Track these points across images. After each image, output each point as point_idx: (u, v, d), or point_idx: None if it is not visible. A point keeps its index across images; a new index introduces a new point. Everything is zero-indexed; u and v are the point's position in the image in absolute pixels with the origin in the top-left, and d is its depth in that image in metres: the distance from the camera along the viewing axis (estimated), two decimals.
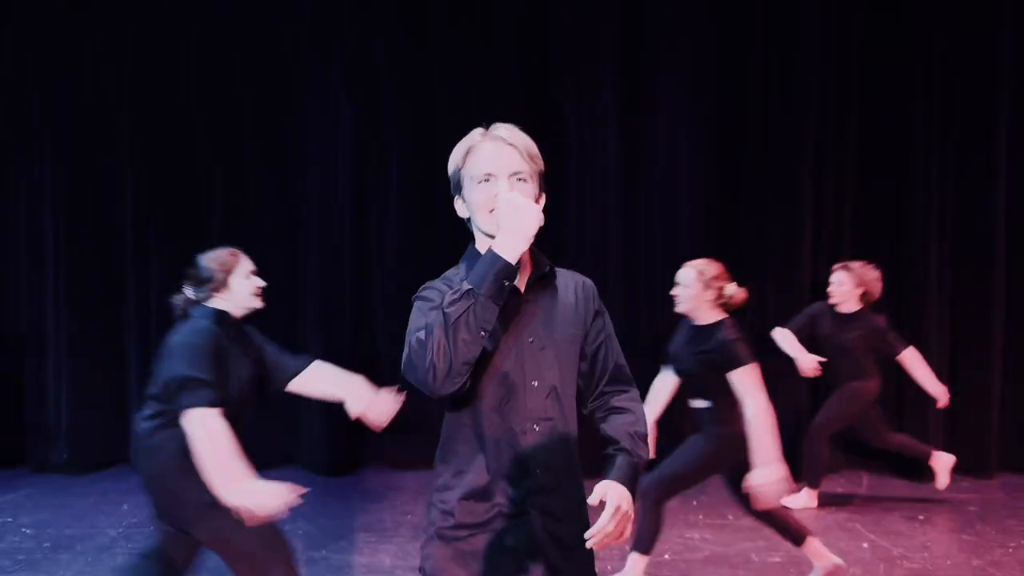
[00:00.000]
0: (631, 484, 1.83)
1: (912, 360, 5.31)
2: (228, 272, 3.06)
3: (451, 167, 1.91)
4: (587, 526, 1.82)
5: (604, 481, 1.80)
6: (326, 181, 6.28)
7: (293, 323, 6.28)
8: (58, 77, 6.28)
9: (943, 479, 5.36)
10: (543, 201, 1.89)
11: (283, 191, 6.39)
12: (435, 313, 1.75)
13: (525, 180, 1.84)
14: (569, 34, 6.20)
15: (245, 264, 3.12)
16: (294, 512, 5.10)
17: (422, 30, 6.24)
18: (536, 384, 1.86)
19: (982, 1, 6.02)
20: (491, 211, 1.82)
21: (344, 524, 5.18)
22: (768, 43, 6.10)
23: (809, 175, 6.06)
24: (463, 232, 1.99)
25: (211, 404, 2.77)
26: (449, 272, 1.95)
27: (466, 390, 1.82)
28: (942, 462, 5.37)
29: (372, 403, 3.12)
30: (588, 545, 1.77)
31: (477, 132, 1.90)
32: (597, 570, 2.00)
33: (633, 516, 1.79)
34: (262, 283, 3.15)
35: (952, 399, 6.08)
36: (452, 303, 1.72)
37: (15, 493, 5.86)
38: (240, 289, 3.08)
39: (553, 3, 6.22)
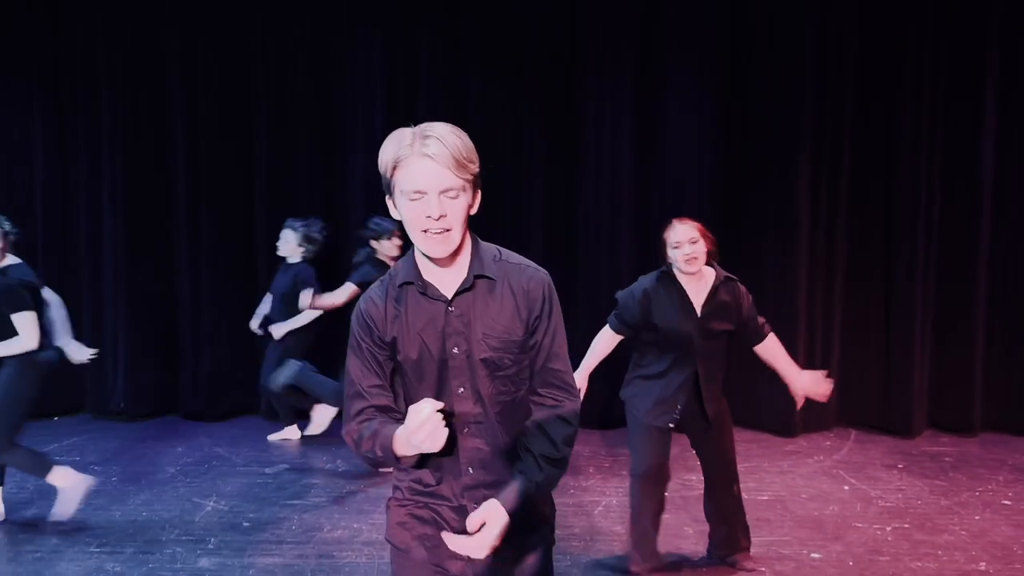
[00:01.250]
0: (514, 507, 1.90)
1: None
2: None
3: (381, 168, 1.90)
4: (531, 514, 1.98)
5: (491, 501, 1.89)
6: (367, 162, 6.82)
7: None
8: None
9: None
10: (478, 201, 1.93)
11: (329, 176, 6.93)
12: (352, 395, 2.00)
13: (456, 196, 1.85)
14: (591, 32, 6.63)
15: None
16: (335, 454, 5.73)
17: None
18: (462, 391, 1.95)
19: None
20: (436, 220, 1.84)
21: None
22: (770, 40, 6.47)
23: (804, 162, 6.42)
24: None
25: None
26: (387, 274, 2.05)
27: (403, 396, 2.00)
28: None
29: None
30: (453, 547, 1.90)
31: (407, 138, 1.86)
32: (555, 550, 2.17)
33: (497, 542, 1.86)
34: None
35: (938, 363, 6.59)
36: (362, 451, 1.96)
37: (79, 436, 6.49)
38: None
39: (579, 4, 6.66)
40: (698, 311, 3.76)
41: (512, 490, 1.91)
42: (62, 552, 4.27)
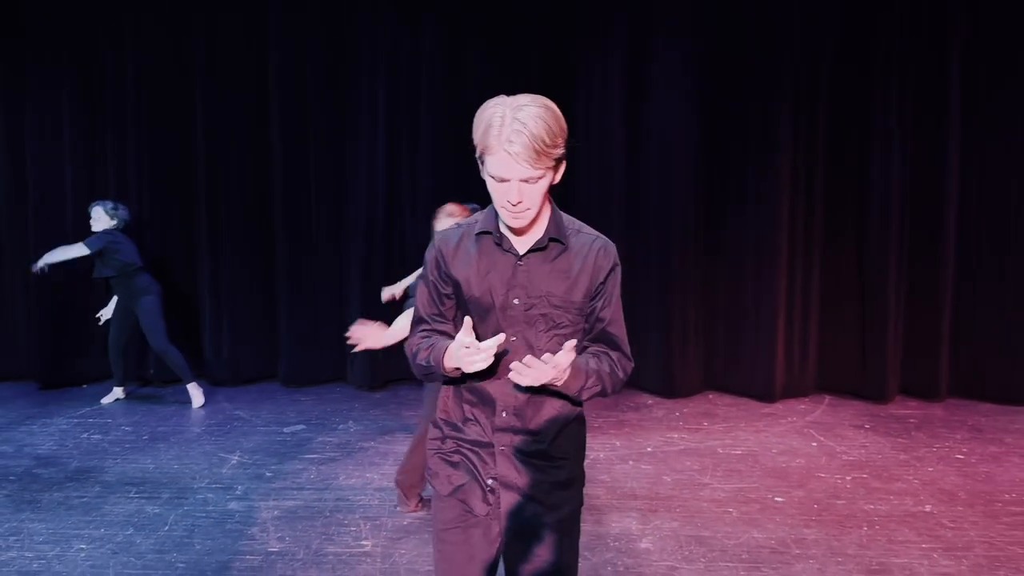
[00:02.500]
0: (582, 370, 2.07)
1: None
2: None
3: (474, 139, 1.99)
4: (563, 462, 2.17)
5: (572, 358, 1.99)
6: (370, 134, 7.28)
7: (339, 266, 7.35)
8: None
9: None
10: (561, 173, 2.03)
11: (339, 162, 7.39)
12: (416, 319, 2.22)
13: (536, 182, 1.96)
14: (584, 17, 7.10)
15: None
16: (347, 416, 6.23)
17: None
18: (515, 340, 2.08)
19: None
20: (513, 205, 1.98)
21: (384, 425, 6.27)
22: (753, 34, 6.91)
23: (784, 138, 6.88)
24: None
25: None
26: (467, 220, 2.20)
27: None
28: None
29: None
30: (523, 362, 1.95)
31: (496, 122, 1.93)
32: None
33: (549, 380, 1.97)
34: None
35: (908, 333, 7.05)
36: (417, 360, 2.15)
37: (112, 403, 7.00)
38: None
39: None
40: None
41: (585, 360, 2.09)
42: (106, 497, 4.78)
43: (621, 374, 2.16)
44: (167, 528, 4.34)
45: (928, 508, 4.60)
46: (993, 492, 4.85)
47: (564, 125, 1.97)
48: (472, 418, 2.16)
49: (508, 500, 2.13)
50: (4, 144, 7.43)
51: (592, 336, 2.16)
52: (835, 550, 4.05)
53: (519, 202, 1.97)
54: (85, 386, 7.41)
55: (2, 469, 5.24)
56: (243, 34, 7.26)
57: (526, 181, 1.95)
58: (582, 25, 7.12)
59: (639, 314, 6.82)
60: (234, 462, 5.40)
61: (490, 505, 2.15)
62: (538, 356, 2.02)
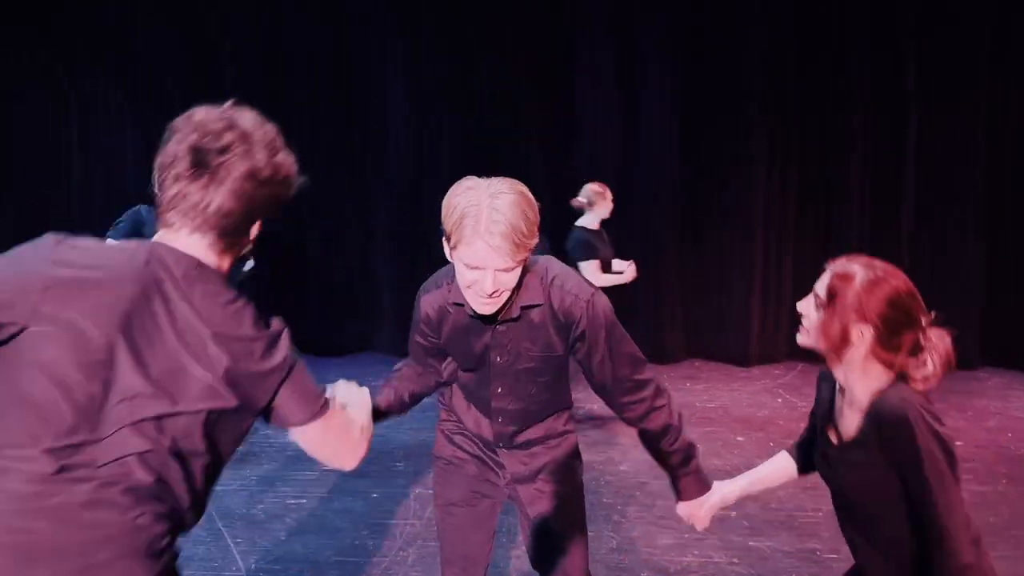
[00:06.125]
0: (703, 476, 2.28)
1: None
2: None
3: (445, 225, 1.94)
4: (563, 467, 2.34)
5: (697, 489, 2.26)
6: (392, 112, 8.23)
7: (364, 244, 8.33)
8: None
9: None
10: (526, 259, 1.99)
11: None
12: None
13: (508, 271, 1.95)
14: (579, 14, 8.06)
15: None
16: (378, 379, 7.17)
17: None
18: (500, 390, 2.21)
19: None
20: (488, 296, 1.97)
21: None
22: (725, 29, 7.88)
23: (758, 125, 7.83)
24: None
25: None
26: (447, 281, 2.15)
27: (455, 378, 2.32)
28: None
29: None
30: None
31: (471, 213, 1.89)
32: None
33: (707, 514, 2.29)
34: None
35: None
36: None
37: None
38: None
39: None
40: None
41: (695, 467, 2.27)
42: None
43: (676, 420, 2.23)
44: None
45: None
46: None
47: (537, 212, 1.96)
48: (473, 412, 2.33)
49: (521, 488, 2.32)
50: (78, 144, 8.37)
51: (613, 390, 2.17)
52: None
53: (494, 291, 1.95)
54: None
55: None
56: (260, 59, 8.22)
57: (501, 270, 1.93)
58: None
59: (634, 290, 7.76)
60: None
61: (494, 483, 2.35)
62: (525, 402, 2.21)
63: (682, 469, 2.24)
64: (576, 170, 7.91)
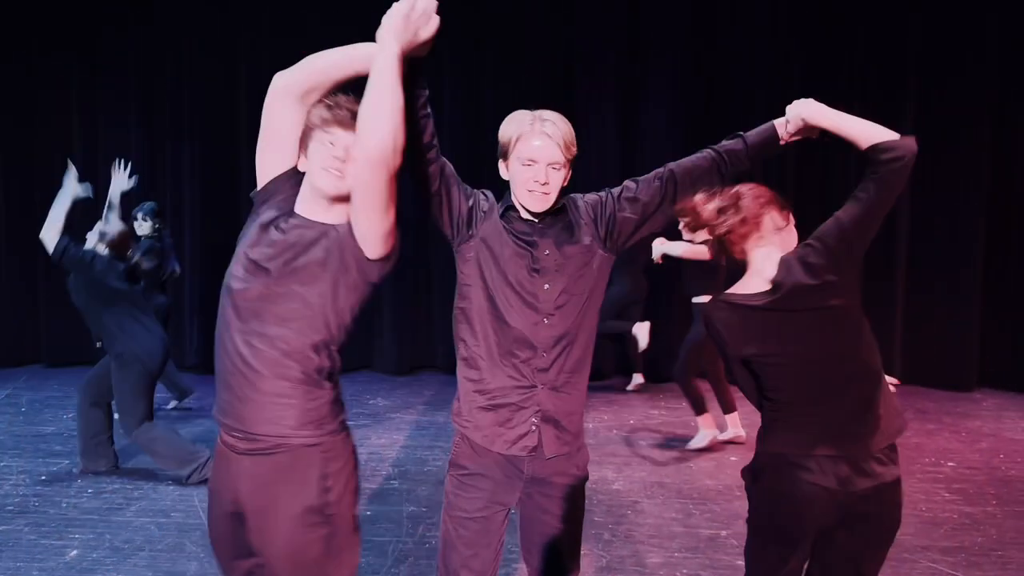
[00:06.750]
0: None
1: None
2: None
3: (501, 138, 2.32)
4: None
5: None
6: None
7: None
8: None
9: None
10: (568, 177, 2.33)
11: None
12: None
13: (559, 168, 2.28)
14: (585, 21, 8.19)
15: None
16: (376, 397, 7.21)
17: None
18: (547, 287, 2.32)
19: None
20: (542, 185, 2.26)
21: (408, 402, 7.28)
22: (732, 32, 8.02)
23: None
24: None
25: None
26: (486, 201, 2.40)
27: (495, 304, 2.33)
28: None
29: None
30: None
31: (527, 119, 2.29)
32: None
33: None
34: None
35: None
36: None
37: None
38: None
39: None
40: None
41: (753, 133, 2.50)
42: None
43: (709, 152, 2.50)
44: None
45: None
46: (916, 457, 5.78)
47: (575, 138, 2.31)
48: (512, 373, 2.32)
49: (547, 434, 2.35)
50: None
51: (670, 183, 2.42)
52: None
53: (546, 182, 2.27)
54: None
55: None
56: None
57: (552, 165, 2.26)
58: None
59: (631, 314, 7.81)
60: None
61: (512, 490, 2.37)
62: (569, 294, 2.32)
63: (751, 138, 2.50)
64: (575, 185, 7.96)
